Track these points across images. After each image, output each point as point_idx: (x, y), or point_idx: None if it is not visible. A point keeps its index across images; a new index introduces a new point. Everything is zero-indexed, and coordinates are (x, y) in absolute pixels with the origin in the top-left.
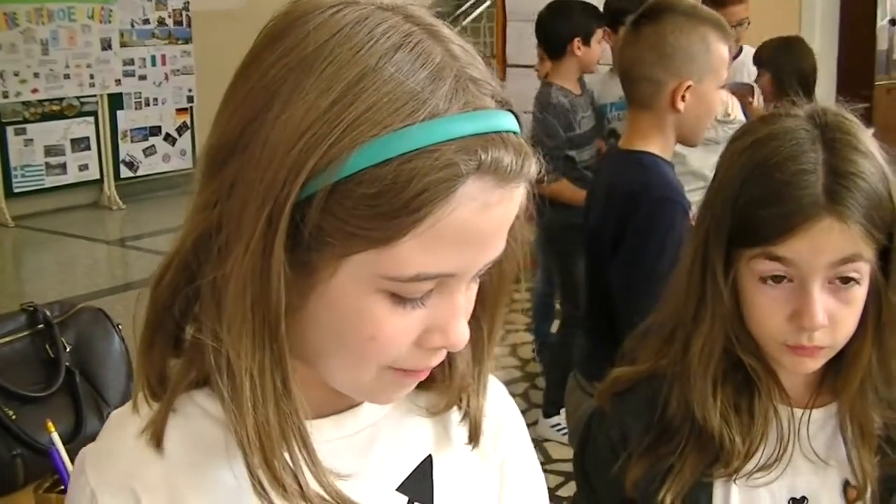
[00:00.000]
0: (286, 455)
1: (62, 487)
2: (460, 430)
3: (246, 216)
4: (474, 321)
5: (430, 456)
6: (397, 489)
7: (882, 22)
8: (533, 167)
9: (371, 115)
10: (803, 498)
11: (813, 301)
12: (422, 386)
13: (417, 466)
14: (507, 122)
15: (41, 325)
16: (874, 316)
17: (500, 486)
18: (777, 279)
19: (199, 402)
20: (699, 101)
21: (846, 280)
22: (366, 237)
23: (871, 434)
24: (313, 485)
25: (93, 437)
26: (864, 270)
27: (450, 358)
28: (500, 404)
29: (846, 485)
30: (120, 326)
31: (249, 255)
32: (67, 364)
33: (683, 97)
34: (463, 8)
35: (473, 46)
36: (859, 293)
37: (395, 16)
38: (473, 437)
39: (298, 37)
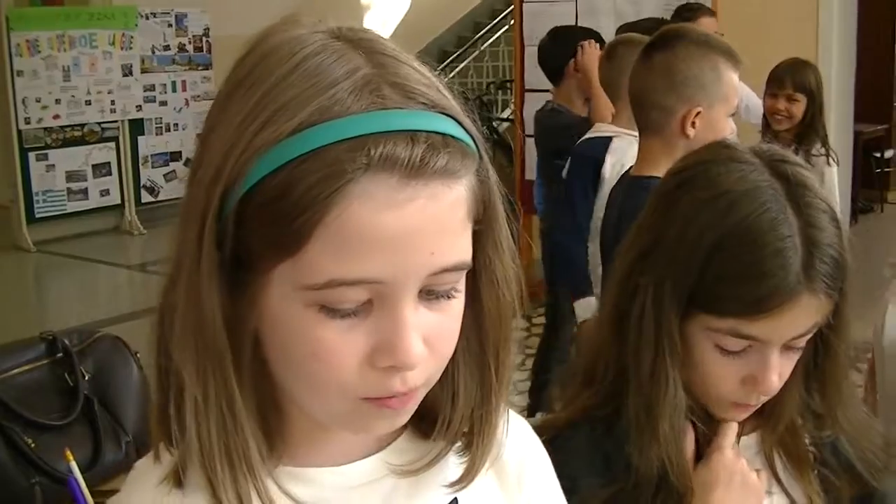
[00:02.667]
0: (230, 480)
1: None
2: (485, 474)
3: (185, 241)
4: (478, 358)
5: (455, 499)
6: None
7: None
8: (449, 162)
9: (270, 123)
10: None
11: (772, 370)
12: (422, 429)
13: None
14: (426, 121)
15: (60, 354)
16: (808, 356)
17: None
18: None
19: None
20: (709, 127)
21: (795, 348)
22: (274, 246)
23: (803, 456)
24: None
25: (111, 466)
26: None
27: (452, 399)
28: (522, 442)
29: None
30: (138, 355)
31: (187, 277)
32: (86, 392)
33: (693, 124)
34: (481, 32)
35: (491, 69)
36: (799, 354)
37: (324, 34)
38: (463, 478)
39: (240, 65)
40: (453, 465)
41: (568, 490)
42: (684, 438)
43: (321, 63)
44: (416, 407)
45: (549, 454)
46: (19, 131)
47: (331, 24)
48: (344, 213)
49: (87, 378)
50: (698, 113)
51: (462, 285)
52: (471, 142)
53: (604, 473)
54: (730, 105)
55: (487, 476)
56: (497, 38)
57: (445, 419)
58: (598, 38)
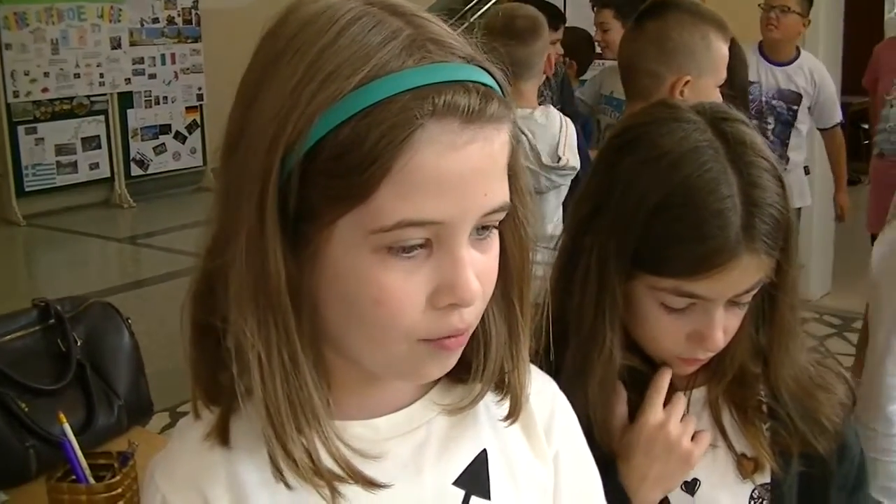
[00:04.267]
0: (296, 431)
1: (73, 477)
2: (513, 427)
3: (241, 204)
4: (504, 297)
5: (484, 450)
6: (454, 483)
7: (890, 15)
8: (498, 109)
9: (328, 84)
10: (695, 480)
11: (717, 326)
12: (457, 376)
13: (473, 460)
14: (471, 73)
15: (52, 321)
16: (755, 312)
17: (555, 478)
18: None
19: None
20: (697, 96)
21: (740, 303)
22: (343, 197)
23: (753, 409)
24: (327, 461)
25: (104, 429)
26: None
27: (485, 343)
28: (550, 397)
29: (741, 457)
30: (130, 321)
31: (247, 238)
32: (78, 358)
33: (682, 92)
34: (471, 4)
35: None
36: (745, 308)
37: (357, 1)
38: (512, 413)
39: (274, 37)
40: (486, 409)
41: None
42: (614, 400)
43: (366, 25)
44: (462, 348)
45: None
46: (8, 105)
47: None
48: (413, 159)
49: (79, 344)
50: (687, 81)
51: (496, 228)
52: (501, 92)
53: None
54: (718, 76)
55: (515, 429)
56: (487, 9)
57: (481, 362)
58: (557, 13)
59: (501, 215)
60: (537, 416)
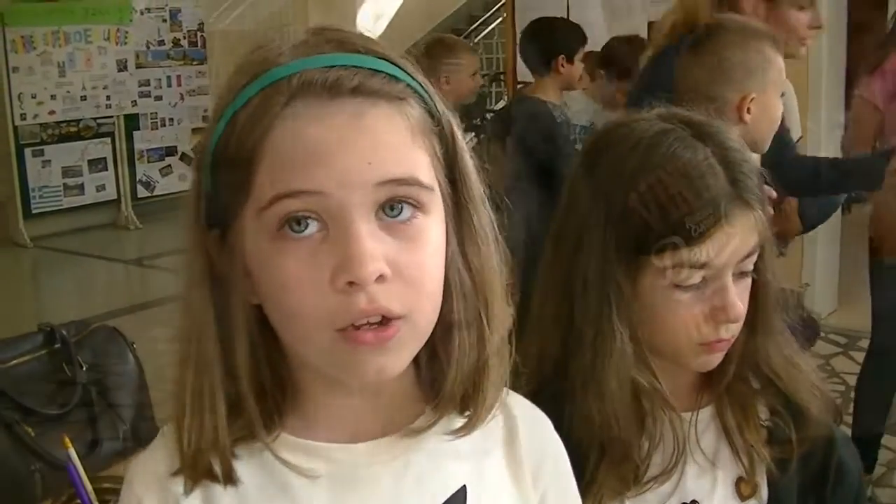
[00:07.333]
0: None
1: (78, 502)
2: (498, 465)
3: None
4: (474, 311)
5: (464, 486)
6: None
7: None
8: (362, 83)
9: (233, 87)
10: (693, 502)
11: (732, 293)
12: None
13: (452, 495)
14: (344, 60)
15: (58, 345)
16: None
17: None
18: (693, 284)
19: None
20: (763, 111)
21: (745, 273)
22: (237, 190)
23: (755, 425)
24: None
25: (109, 453)
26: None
27: (446, 365)
28: (541, 437)
29: (739, 480)
30: (134, 345)
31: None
32: (84, 382)
33: (749, 109)
34: (475, 25)
35: (485, 61)
36: (750, 280)
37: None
38: (467, 426)
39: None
40: (471, 445)
41: None
42: (630, 395)
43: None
44: (403, 349)
45: None
46: (15, 127)
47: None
48: (279, 136)
49: (84, 368)
50: (752, 99)
51: (426, 215)
52: (407, 78)
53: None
54: (779, 87)
55: (501, 467)
56: (491, 30)
57: (439, 385)
58: (580, 33)
59: (409, 189)
60: (527, 459)
